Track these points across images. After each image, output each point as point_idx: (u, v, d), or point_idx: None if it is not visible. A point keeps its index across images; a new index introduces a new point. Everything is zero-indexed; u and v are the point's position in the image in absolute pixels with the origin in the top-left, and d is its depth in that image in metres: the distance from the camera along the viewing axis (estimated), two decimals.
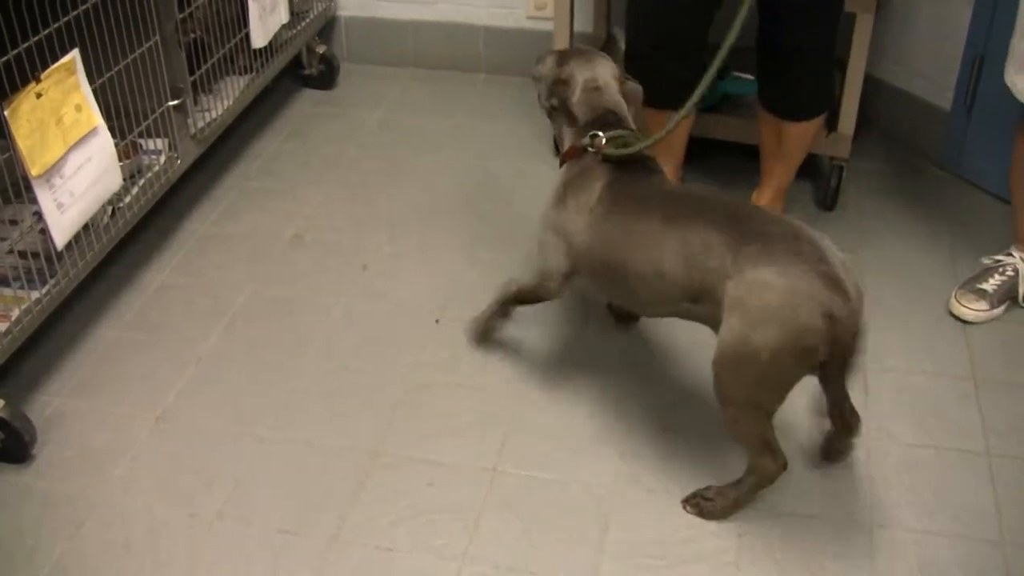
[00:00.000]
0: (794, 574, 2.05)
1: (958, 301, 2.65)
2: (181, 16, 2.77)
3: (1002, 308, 2.67)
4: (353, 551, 2.09)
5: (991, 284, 2.66)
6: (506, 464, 2.28)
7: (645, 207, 2.10)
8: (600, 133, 2.20)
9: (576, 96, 2.28)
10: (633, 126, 2.28)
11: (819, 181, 3.15)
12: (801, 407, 2.22)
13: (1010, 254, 2.73)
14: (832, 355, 1.91)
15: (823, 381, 2.09)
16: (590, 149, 2.20)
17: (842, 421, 2.19)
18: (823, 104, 2.80)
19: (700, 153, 3.06)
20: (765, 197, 2.89)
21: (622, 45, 3.56)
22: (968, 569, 2.06)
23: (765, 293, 1.87)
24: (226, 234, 3.00)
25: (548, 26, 3.65)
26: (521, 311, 2.53)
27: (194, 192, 3.15)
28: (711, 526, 2.14)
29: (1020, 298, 2.68)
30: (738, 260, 1.90)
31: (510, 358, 2.56)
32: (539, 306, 2.49)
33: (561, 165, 2.30)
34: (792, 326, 1.85)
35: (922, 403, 2.42)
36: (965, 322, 2.63)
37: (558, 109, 2.32)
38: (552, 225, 2.25)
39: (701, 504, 2.15)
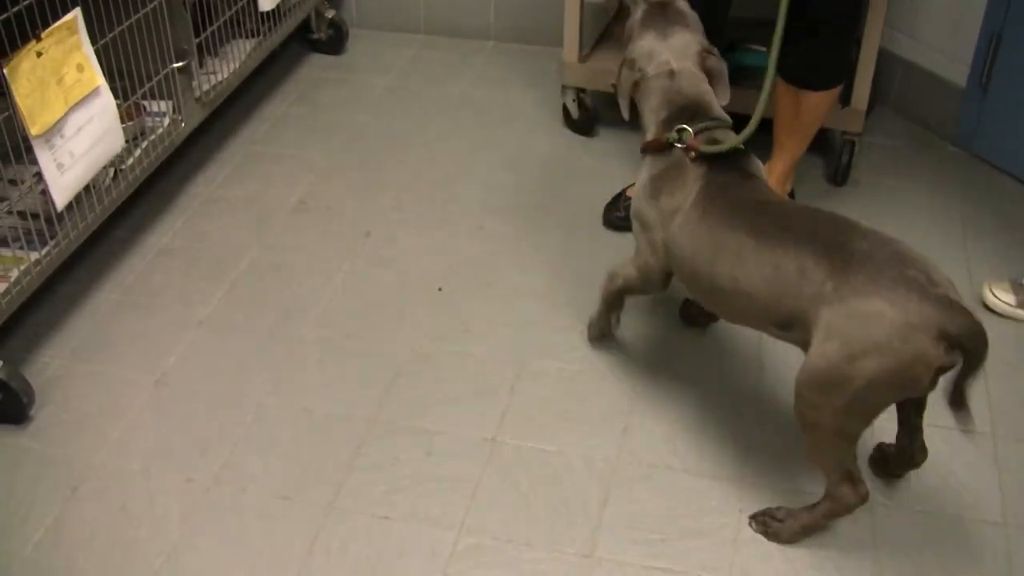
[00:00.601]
0: (793, 552, 2.03)
1: (990, 288, 2.60)
2: None
3: None
4: (349, 518, 2.07)
5: None
6: (506, 435, 2.26)
7: (737, 218, 1.97)
8: (688, 127, 2.10)
9: (649, 82, 2.17)
10: (723, 114, 2.16)
11: (830, 156, 3.11)
12: None
13: None
14: (935, 381, 1.81)
15: (905, 407, 2.03)
16: (678, 145, 2.09)
17: (909, 454, 2.11)
18: (841, 75, 2.77)
19: None
20: (777, 169, 2.85)
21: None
22: (970, 549, 2.04)
23: (872, 324, 1.75)
24: (230, 198, 2.97)
25: None
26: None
27: (199, 155, 3.12)
28: (712, 501, 2.12)
29: None
30: (840, 289, 1.79)
31: (513, 328, 2.53)
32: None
33: (643, 154, 2.18)
34: (902, 356, 1.73)
35: None
36: (989, 309, 2.57)
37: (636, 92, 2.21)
38: (646, 221, 2.15)
39: (768, 524, 2.06)
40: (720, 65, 2.21)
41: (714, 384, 2.40)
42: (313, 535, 2.04)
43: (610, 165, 3.08)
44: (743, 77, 3.12)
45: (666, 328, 2.55)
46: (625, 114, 2.24)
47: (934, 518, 2.11)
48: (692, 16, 2.24)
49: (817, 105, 2.77)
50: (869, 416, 1.86)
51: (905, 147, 3.25)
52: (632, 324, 2.53)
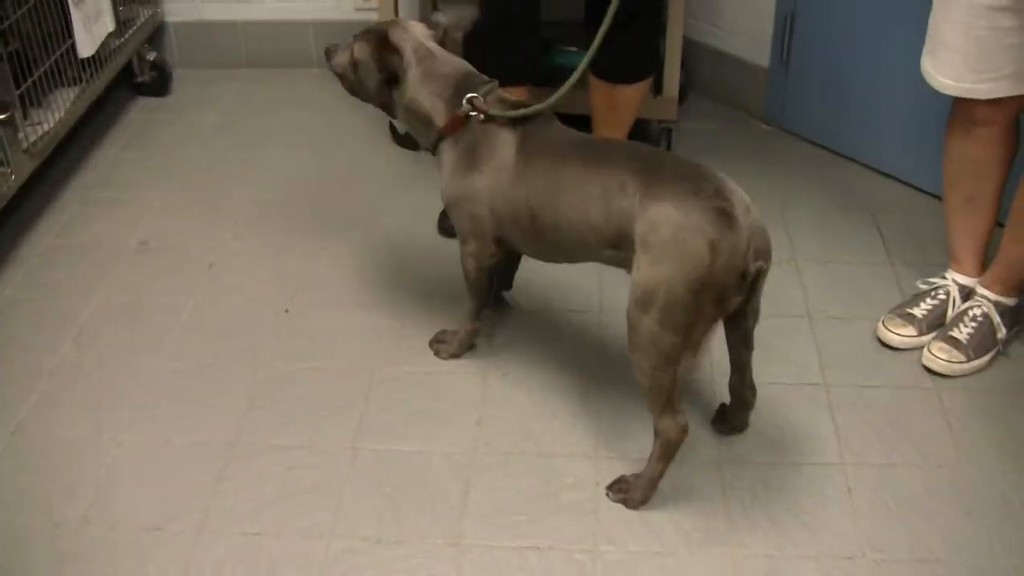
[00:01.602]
0: (651, 515, 2.14)
1: (885, 326, 2.57)
2: None
3: (984, 358, 2.50)
4: (220, 540, 2.11)
5: (922, 309, 2.58)
6: (364, 441, 2.32)
7: (563, 155, 2.16)
8: (476, 95, 2.23)
9: (414, 69, 2.30)
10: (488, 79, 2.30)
11: (649, 144, 3.25)
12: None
13: (944, 276, 2.64)
14: (726, 292, 1.96)
15: (729, 335, 2.17)
16: (472, 115, 2.23)
17: (740, 394, 2.26)
18: (651, 67, 2.92)
19: None
20: None
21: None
22: (814, 490, 2.19)
23: (662, 228, 1.94)
24: (70, 246, 2.97)
25: (374, 16, 3.69)
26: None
27: (34, 206, 3.11)
28: (570, 479, 2.22)
29: (947, 322, 2.56)
30: (644, 200, 1.98)
31: (362, 340, 2.60)
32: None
33: (439, 142, 2.30)
34: (684, 256, 1.91)
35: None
36: (892, 348, 2.56)
37: (395, 86, 2.32)
38: (464, 195, 2.28)
39: (623, 490, 2.17)
40: (455, 33, 2.43)
41: (558, 369, 2.50)
42: (186, 560, 2.07)
43: (439, 176, 3.17)
44: (558, 78, 3.25)
45: (505, 322, 2.64)
46: (397, 113, 2.37)
47: (778, 467, 2.24)
48: (403, 20, 2.44)
49: (632, 97, 2.90)
50: (681, 330, 1.97)
51: (720, 129, 3.43)
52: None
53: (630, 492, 2.17)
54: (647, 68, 2.90)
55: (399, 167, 3.29)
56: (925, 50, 2.42)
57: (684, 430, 2.09)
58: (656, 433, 2.11)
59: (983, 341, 2.48)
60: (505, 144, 2.22)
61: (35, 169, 2.96)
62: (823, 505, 2.16)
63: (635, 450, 2.25)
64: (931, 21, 2.39)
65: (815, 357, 2.52)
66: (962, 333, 2.48)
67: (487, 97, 2.24)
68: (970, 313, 2.51)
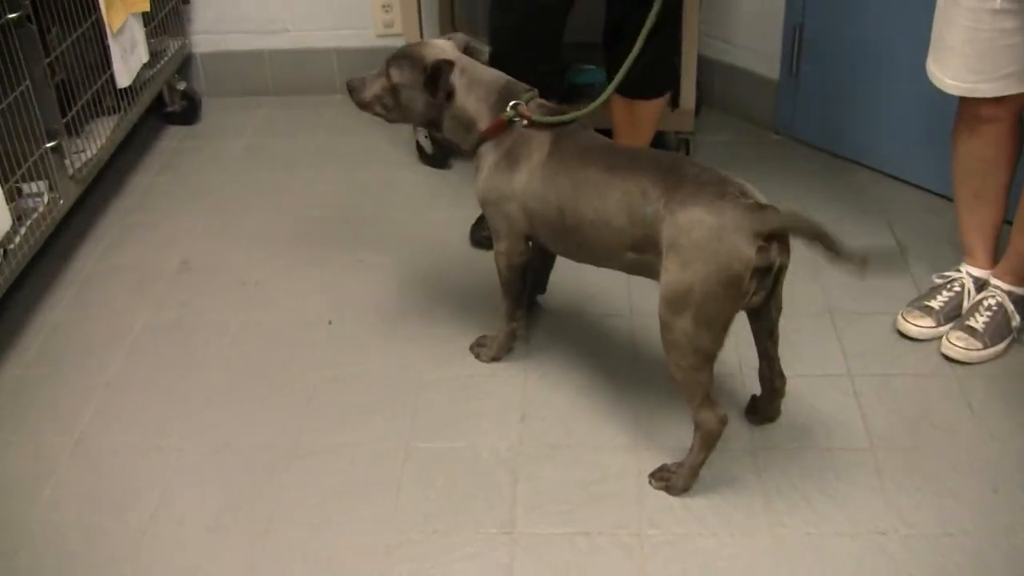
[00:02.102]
0: (692, 500, 2.25)
1: (904, 319, 2.69)
2: (47, 60, 2.87)
3: (1000, 345, 2.62)
4: (284, 533, 2.21)
5: (938, 301, 2.70)
6: (417, 440, 2.44)
7: (591, 159, 2.28)
8: (519, 101, 2.37)
9: (459, 79, 2.40)
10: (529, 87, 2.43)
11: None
12: None
13: (958, 270, 2.75)
14: (762, 284, 2.09)
15: (756, 329, 2.28)
16: (516, 120, 2.36)
17: (771, 383, 2.37)
18: (669, 83, 3.07)
19: None
20: None
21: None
22: (844, 473, 2.30)
23: (694, 231, 2.05)
24: (113, 268, 3.09)
25: (397, 42, 3.82)
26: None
27: (77, 231, 3.23)
28: (612, 469, 2.33)
29: (963, 313, 2.67)
30: (670, 204, 2.10)
31: (405, 347, 2.72)
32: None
33: (479, 144, 2.42)
34: (720, 255, 2.02)
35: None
36: (912, 339, 2.67)
37: (446, 104, 2.41)
38: (501, 194, 2.39)
39: (665, 478, 2.28)
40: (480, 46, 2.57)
41: (593, 369, 2.62)
42: (252, 554, 2.18)
43: (468, 191, 3.24)
44: (577, 95, 3.40)
45: (541, 326, 2.77)
46: (447, 128, 2.48)
47: (810, 452, 2.36)
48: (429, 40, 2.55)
49: (651, 112, 3.04)
50: (716, 327, 2.10)
51: (734, 141, 3.56)
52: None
53: (672, 480, 2.28)
54: (666, 84, 3.04)
55: (426, 186, 3.42)
56: (930, 53, 2.55)
57: (723, 421, 2.20)
58: (696, 425, 2.22)
59: (999, 329, 2.60)
60: (540, 146, 2.34)
61: (79, 195, 3.08)
62: (855, 486, 2.27)
63: (672, 441, 2.37)
64: (935, 26, 2.52)
65: (839, 350, 2.65)
66: (978, 322, 2.60)
67: (529, 104, 2.38)
68: (985, 303, 2.63)
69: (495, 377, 2.61)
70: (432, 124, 2.51)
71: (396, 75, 2.44)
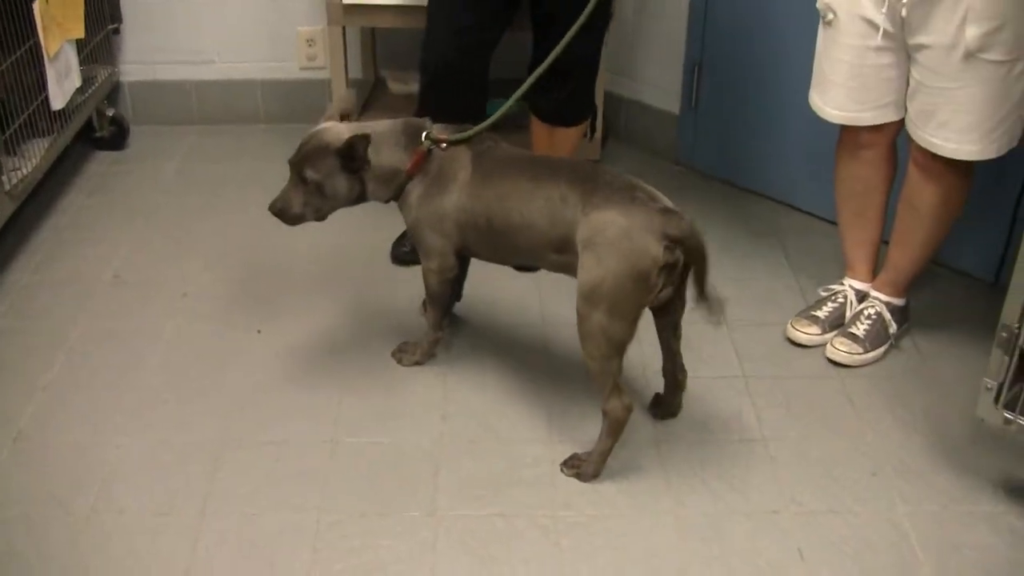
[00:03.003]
0: (602, 486, 2.45)
1: (793, 327, 2.94)
2: None
3: (879, 350, 2.87)
4: (222, 519, 2.36)
5: (824, 311, 2.95)
6: (342, 435, 2.60)
7: (514, 169, 2.50)
8: (429, 131, 2.55)
9: (375, 142, 2.52)
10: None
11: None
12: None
13: (842, 283, 3.00)
14: (669, 279, 2.29)
15: (661, 326, 2.49)
16: (434, 146, 2.54)
17: (674, 377, 2.59)
18: (588, 110, 3.30)
19: None
20: None
21: (390, 86, 3.97)
22: (740, 461, 2.52)
23: (607, 230, 2.27)
24: (49, 280, 3.21)
25: (320, 75, 4.03)
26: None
27: (11, 245, 3.34)
28: (528, 459, 2.52)
29: (846, 321, 2.92)
30: (586, 208, 2.32)
31: (331, 354, 2.89)
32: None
33: (404, 185, 2.58)
34: (631, 253, 2.24)
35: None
36: (800, 345, 2.93)
37: (365, 171, 2.55)
38: (436, 216, 2.56)
39: (576, 466, 2.48)
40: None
41: (509, 372, 2.81)
42: (193, 539, 2.31)
43: (388, 211, 3.46)
44: (494, 126, 3.60)
45: (458, 335, 2.96)
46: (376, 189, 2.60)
47: (709, 443, 2.58)
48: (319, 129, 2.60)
49: (569, 138, 3.25)
50: (627, 318, 2.31)
51: (636, 170, 3.73)
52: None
53: (582, 467, 2.47)
54: (585, 112, 3.26)
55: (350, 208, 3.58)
56: (813, 87, 2.81)
57: (629, 408, 2.41)
58: (604, 414, 2.42)
59: (878, 336, 2.85)
60: (463, 165, 2.54)
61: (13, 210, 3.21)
62: (749, 472, 2.49)
63: (583, 436, 2.56)
64: (816, 61, 2.78)
65: (734, 355, 2.88)
66: (859, 329, 2.85)
67: (435, 131, 2.58)
68: (865, 312, 2.88)
69: (417, 380, 2.79)
70: (359, 198, 2.61)
71: (312, 173, 2.52)
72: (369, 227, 3.43)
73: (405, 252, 3.25)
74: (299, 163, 2.54)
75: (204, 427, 2.63)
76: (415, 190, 2.59)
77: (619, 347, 2.35)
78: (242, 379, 2.79)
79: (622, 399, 2.39)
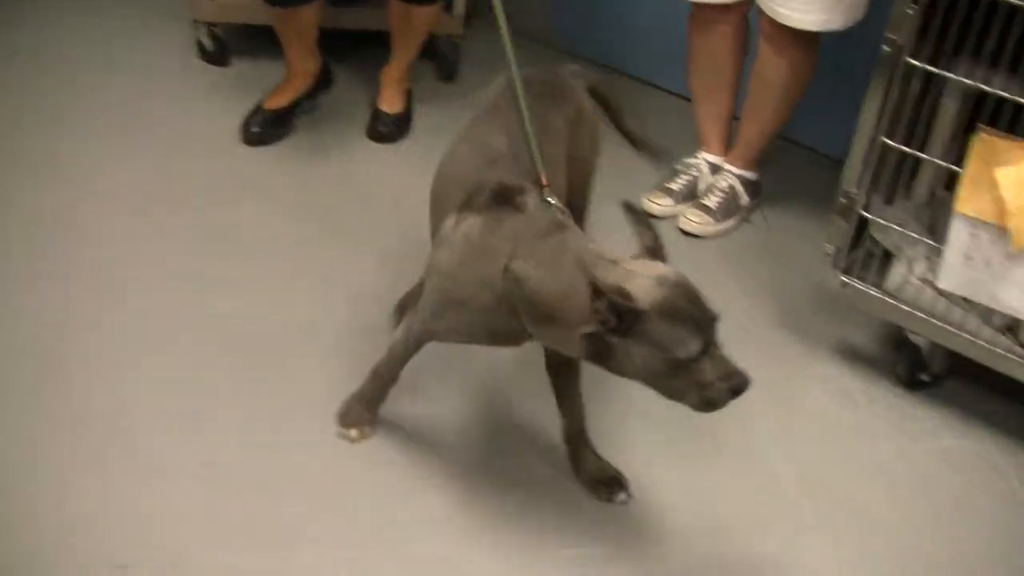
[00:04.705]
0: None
1: (648, 199, 3.00)
2: None
3: (731, 221, 2.97)
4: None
5: (678, 183, 3.02)
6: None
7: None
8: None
9: None
10: None
11: (439, 59, 3.60)
12: None
13: (696, 157, 3.06)
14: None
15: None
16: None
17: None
18: None
19: (341, 47, 3.45)
20: (395, 72, 3.32)
21: None
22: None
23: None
24: None
25: None
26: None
27: None
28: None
29: (699, 193, 3.00)
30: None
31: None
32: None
33: None
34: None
35: None
36: (654, 216, 2.94)
37: None
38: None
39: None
40: None
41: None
42: None
43: (244, 87, 3.42)
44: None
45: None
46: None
47: None
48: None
49: (427, 16, 3.23)
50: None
51: (500, 49, 3.77)
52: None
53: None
54: None
55: (201, 80, 3.53)
56: None
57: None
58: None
59: (729, 207, 2.93)
60: None
61: None
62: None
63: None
64: None
65: (595, 226, 2.91)
66: (711, 201, 2.92)
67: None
68: (718, 185, 2.95)
69: None
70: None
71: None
72: (220, 102, 3.38)
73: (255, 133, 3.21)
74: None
75: None
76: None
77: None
78: None
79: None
